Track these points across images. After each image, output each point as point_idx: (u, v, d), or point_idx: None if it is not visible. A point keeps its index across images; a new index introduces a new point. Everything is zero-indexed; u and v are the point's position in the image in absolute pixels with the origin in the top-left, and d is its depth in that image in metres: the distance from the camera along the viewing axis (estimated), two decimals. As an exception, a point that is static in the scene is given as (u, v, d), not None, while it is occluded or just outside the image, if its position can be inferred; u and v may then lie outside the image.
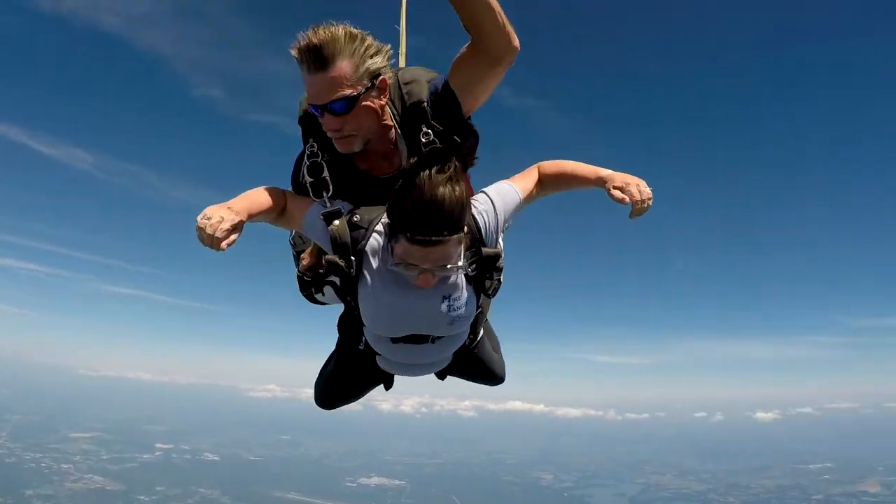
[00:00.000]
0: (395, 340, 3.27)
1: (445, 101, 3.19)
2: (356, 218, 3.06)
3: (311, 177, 3.22)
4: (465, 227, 2.80)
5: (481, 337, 3.83)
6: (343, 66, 2.84)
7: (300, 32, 2.82)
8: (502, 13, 2.79)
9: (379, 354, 3.45)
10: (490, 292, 3.30)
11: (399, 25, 4.27)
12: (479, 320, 3.57)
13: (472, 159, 3.26)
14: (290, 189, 3.43)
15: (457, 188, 2.67)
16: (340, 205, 3.16)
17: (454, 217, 2.66)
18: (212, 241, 2.71)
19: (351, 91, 2.89)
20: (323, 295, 3.83)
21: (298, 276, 3.91)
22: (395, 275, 2.96)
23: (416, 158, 2.78)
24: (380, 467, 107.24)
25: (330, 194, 3.20)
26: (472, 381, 4.37)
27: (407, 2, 4.66)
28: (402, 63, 4.20)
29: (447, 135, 3.20)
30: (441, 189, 2.62)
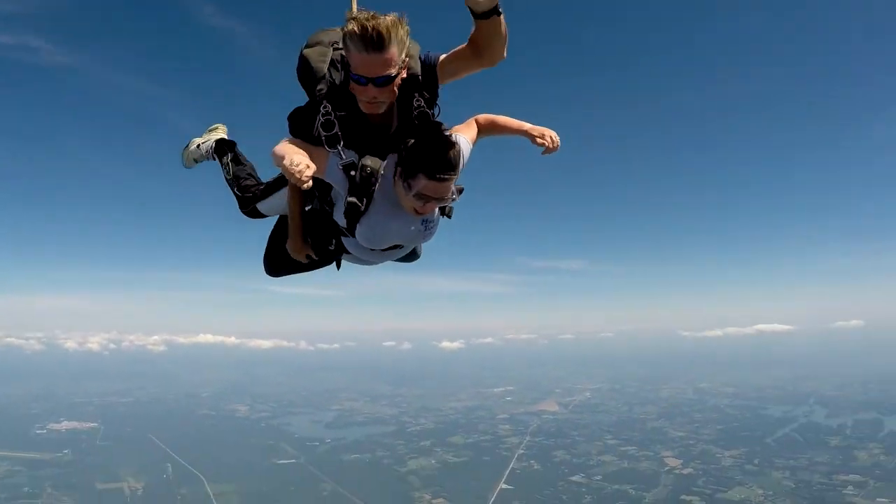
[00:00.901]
0: (373, 250, 4.38)
1: (429, 76, 4.07)
2: (367, 166, 3.91)
3: (325, 131, 3.98)
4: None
5: None
6: (393, 50, 3.62)
7: (356, 14, 3.64)
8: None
9: (349, 253, 4.54)
10: (450, 216, 4.32)
11: None
12: None
13: None
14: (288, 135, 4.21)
15: (455, 140, 3.81)
16: (352, 156, 3.98)
17: (458, 160, 3.76)
18: (299, 181, 3.57)
19: (395, 70, 3.70)
20: (266, 210, 5.05)
21: (241, 195, 5.13)
22: (391, 206, 4.00)
23: (422, 122, 4.03)
24: (69, 411, 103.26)
25: (342, 145, 3.99)
26: (402, 262, 5.16)
27: None
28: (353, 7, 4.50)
29: (431, 102, 4.14)
30: (453, 139, 3.80)
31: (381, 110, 3.93)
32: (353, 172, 3.92)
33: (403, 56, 3.74)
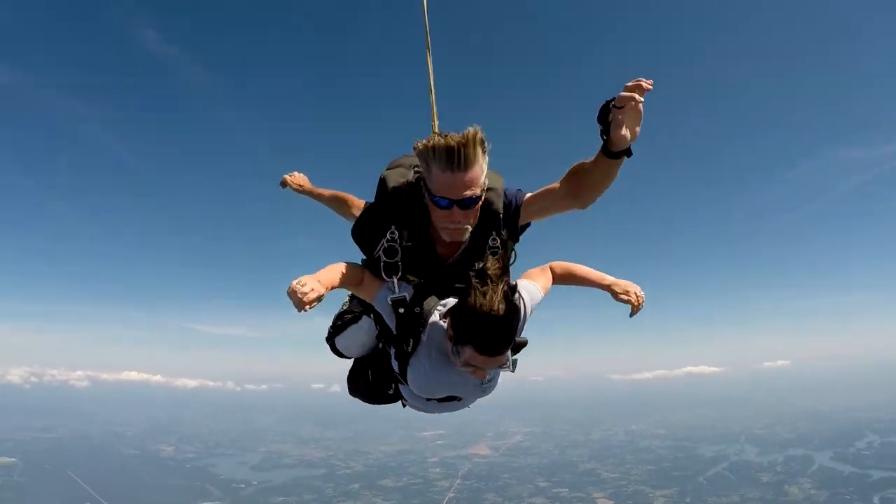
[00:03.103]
0: (428, 399, 3.98)
1: (511, 214, 3.81)
2: (417, 310, 3.68)
3: (386, 258, 3.81)
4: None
5: None
6: (478, 168, 3.38)
7: (436, 135, 3.36)
8: None
9: (406, 400, 4.23)
10: (513, 369, 3.79)
11: (430, 98, 4.46)
12: None
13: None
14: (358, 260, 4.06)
15: (516, 307, 3.33)
16: (405, 290, 3.79)
17: (514, 335, 3.34)
18: (299, 305, 3.27)
19: (480, 190, 3.47)
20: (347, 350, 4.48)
21: (331, 326, 4.48)
22: (439, 354, 3.62)
23: (478, 275, 3.34)
24: None
25: (399, 277, 3.81)
26: None
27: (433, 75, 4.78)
28: (434, 126, 4.50)
29: (507, 245, 3.89)
30: (506, 311, 3.20)
31: (466, 237, 3.71)
32: (401, 310, 3.72)
33: (485, 177, 3.49)
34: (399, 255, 3.79)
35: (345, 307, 4.53)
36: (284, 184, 5.64)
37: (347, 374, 4.80)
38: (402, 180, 3.89)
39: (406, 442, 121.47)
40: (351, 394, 4.76)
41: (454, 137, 3.28)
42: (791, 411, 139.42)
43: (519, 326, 3.49)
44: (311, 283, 3.35)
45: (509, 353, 3.41)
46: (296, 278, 3.36)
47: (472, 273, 3.45)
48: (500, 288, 3.27)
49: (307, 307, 3.30)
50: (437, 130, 4.38)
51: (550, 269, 4.26)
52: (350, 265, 3.90)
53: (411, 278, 3.92)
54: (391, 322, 3.78)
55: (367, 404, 4.84)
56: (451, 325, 3.43)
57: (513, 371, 3.82)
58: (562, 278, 4.26)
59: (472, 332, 3.22)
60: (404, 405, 4.43)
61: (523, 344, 3.83)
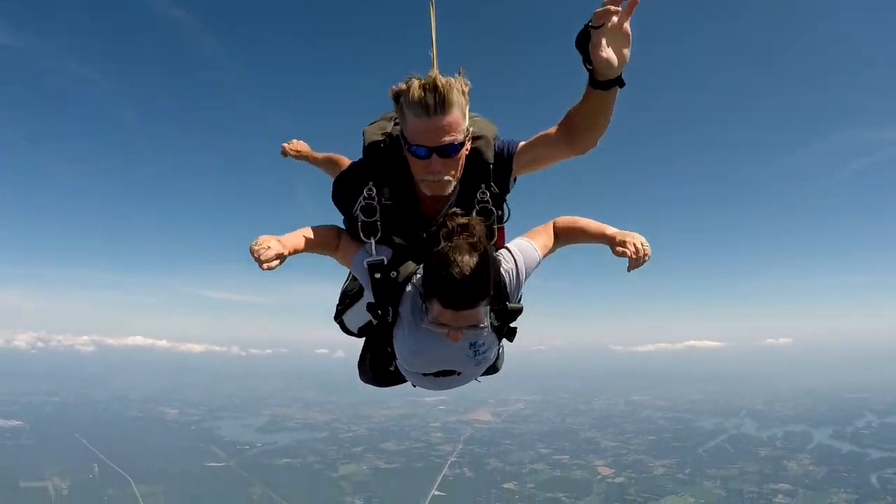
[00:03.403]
0: (425, 374, 3.69)
1: (503, 165, 3.47)
2: (394, 274, 3.39)
3: (364, 216, 3.49)
4: (492, 291, 3.12)
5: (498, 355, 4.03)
6: (458, 112, 3.06)
7: (410, 77, 3.05)
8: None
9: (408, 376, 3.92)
10: (511, 338, 3.63)
11: (430, 52, 3.86)
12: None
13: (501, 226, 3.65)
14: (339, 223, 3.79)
15: (485, 259, 3.00)
16: (384, 252, 3.46)
17: (482, 288, 2.97)
18: (258, 262, 3.09)
19: (461, 136, 3.14)
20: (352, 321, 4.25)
21: (337, 305, 4.30)
22: (424, 329, 3.23)
23: (446, 226, 3.15)
24: None
25: (377, 238, 3.50)
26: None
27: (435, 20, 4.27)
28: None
29: (500, 199, 3.55)
30: (470, 262, 2.91)
31: (449, 190, 3.33)
32: (377, 275, 3.42)
33: (467, 123, 3.21)
34: (378, 214, 3.49)
35: (347, 283, 4.39)
36: (284, 153, 5.53)
37: (357, 361, 4.63)
38: (381, 132, 3.65)
39: (408, 407, 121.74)
40: (361, 379, 4.59)
41: (429, 78, 3.01)
42: (792, 388, 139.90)
43: (490, 280, 3.08)
44: (269, 242, 3.17)
45: (483, 310, 3.10)
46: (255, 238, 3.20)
47: (439, 220, 3.31)
48: (467, 238, 3.07)
49: (265, 265, 3.12)
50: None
51: (553, 224, 3.83)
52: (324, 227, 3.68)
53: (397, 240, 3.60)
54: (368, 288, 3.54)
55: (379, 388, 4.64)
56: (421, 280, 3.23)
57: (511, 340, 3.68)
58: (566, 234, 3.79)
59: (435, 283, 3.00)
60: (414, 385, 4.20)
61: (517, 311, 3.52)
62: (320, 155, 5.29)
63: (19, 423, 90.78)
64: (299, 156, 5.46)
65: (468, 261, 2.92)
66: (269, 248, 3.12)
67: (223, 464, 76.95)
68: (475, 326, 3.09)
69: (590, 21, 2.67)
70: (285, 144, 5.50)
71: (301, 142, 5.49)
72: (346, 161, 4.75)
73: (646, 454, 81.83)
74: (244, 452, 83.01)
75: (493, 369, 4.22)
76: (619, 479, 70.81)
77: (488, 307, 3.16)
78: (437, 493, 67.19)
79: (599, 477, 71.88)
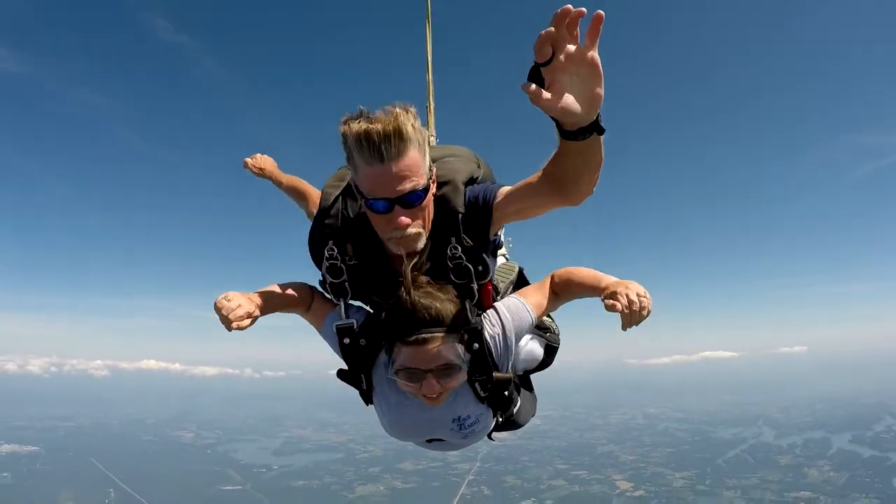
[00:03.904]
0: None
1: (479, 215, 2.93)
2: (363, 342, 3.07)
3: (331, 277, 3.12)
4: (461, 330, 2.81)
5: (517, 409, 3.55)
6: (414, 152, 2.59)
7: (351, 115, 2.58)
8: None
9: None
10: (506, 410, 3.31)
11: (428, 104, 3.83)
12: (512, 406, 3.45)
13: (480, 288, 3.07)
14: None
15: (436, 297, 2.74)
16: (355, 317, 3.13)
17: (439, 315, 2.70)
18: (226, 322, 2.77)
19: (422, 180, 2.66)
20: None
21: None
22: (403, 394, 3.05)
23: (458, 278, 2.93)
24: (10, 434, 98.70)
25: (348, 299, 3.17)
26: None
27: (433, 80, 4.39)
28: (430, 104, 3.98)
29: (475, 253, 2.95)
30: (424, 297, 2.70)
31: (421, 244, 2.82)
32: (346, 340, 3.06)
33: (428, 162, 2.72)
34: (344, 275, 3.09)
35: None
36: (246, 166, 4.97)
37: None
38: (341, 184, 3.18)
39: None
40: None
41: (375, 117, 2.53)
42: (808, 395, 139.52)
43: (455, 314, 2.78)
44: (240, 300, 2.86)
45: (451, 346, 2.76)
46: (222, 293, 2.87)
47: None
48: (417, 277, 2.83)
49: (234, 325, 2.79)
50: (431, 105, 4.05)
51: (551, 279, 3.37)
52: (296, 284, 3.33)
53: (376, 299, 3.21)
54: (339, 354, 3.17)
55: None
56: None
57: (505, 412, 3.35)
58: (564, 289, 3.32)
59: (390, 322, 2.79)
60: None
61: (505, 381, 3.13)
62: (284, 178, 4.80)
63: (35, 448, 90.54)
64: (262, 174, 4.94)
65: (423, 294, 2.74)
66: (240, 306, 2.82)
67: (239, 487, 76.78)
68: (447, 367, 2.76)
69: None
70: (248, 159, 4.96)
71: (267, 157, 4.97)
72: (312, 192, 4.46)
73: (665, 467, 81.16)
74: (261, 475, 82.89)
75: (515, 425, 3.84)
76: (638, 493, 70.22)
77: (459, 349, 2.80)
78: (455, 512, 66.14)
79: (619, 491, 71.27)
